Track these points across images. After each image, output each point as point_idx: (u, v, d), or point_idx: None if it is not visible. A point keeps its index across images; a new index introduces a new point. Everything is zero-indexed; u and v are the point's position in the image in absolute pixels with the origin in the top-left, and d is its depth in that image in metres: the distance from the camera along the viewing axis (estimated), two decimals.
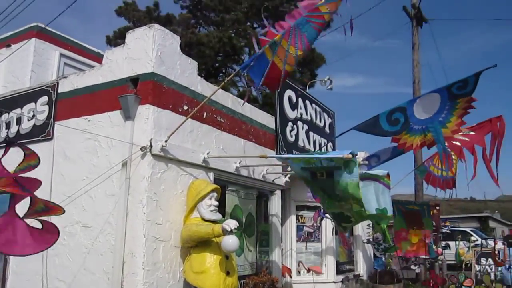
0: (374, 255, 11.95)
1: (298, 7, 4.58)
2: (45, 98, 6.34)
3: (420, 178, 11.13)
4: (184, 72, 5.84)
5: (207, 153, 5.90)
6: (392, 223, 9.42)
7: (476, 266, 11.07)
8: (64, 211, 3.60)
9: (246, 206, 6.95)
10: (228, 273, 5.09)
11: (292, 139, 8.52)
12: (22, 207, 3.48)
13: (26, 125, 6.49)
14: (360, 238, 11.36)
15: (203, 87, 6.16)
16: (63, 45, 9.11)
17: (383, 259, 11.70)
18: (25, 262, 5.95)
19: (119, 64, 5.63)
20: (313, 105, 9.62)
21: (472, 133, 6.83)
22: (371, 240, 11.25)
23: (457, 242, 13.78)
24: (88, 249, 5.37)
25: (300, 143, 8.81)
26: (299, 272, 9.05)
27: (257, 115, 7.57)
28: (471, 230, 19.77)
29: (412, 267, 11.72)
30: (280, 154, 7.81)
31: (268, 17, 19.45)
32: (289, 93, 8.50)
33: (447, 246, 15.29)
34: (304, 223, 9.38)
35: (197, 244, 5.11)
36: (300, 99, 8.89)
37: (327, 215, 7.31)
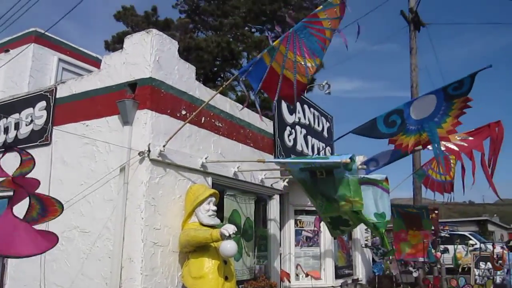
0: (373, 259, 11.94)
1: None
2: (43, 103, 6.34)
3: (418, 182, 11.12)
4: (182, 77, 5.85)
5: (205, 158, 5.90)
6: (391, 227, 9.43)
7: (475, 270, 11.06)
8: (62, 209, 3.60)
9: (245, 210, 6.95)
10: (226, 278, 5.08)
11: (290, 144, 8.53)
12: (19, 212, 3.48)
13: (24, 130, 6.49)
14: (358, 242, 11.36)
15: (201, 92, 6.17)
16: (62, 50, 9.12)
17: (382, 263, 11.69)
18: (23, 268, 5.94)
19: (117, 69, 5.64)
20: (311, 109, 9.64)
21: (470, 138, 6.82)
22: (370, 244, 11.24)
23: (455, 246, 13.77)
24: (86, 254, 5.35)
25: (298, 147, 8.82)
26: (297, 275, 9.03)
27: (255, 120, 7.58)
28: (470, 234, 19.77)
29: (411, 269, 11.70)
30: (278, 158, 7.82)
31: (268, 22, 19.56)
32: None
33: (446, 250, 15.29)
34: (302, 227, 9.37)
35: (195, 249, 5.10)
36: (298, 104, 8.91)
37: (322, 222, 7.29)
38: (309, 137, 9.30)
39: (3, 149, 3.76)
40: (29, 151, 6.13)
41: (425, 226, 9.35)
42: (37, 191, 3.59)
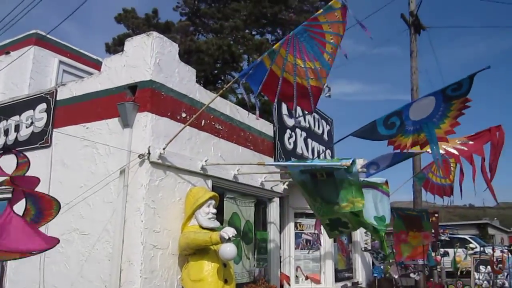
0: (373, 262, 11.93)
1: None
2: (43, 105, 6.35)
3: (418, 185, 11.12)
4: (183, 79, 5.86)
5: (205, 161, 5.90)
6: (392, 230, 9.41)
7: (475, 273, 11.04)
8: (58, 210, 3.59)
9: (244, 213, 6.94)
10: (226, 281, 5.08)
11: (291, 147, 8.53)
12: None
13: (25, 132, 6.49)
14: (358, 244, 11.34)
15: (202, 95, 6.18)
16: (62, 52, 9.14)
17: (382, 266, 11.67)
18: (22, 270, 5.93)
19: (117, 71, 5.65)
20: (311, 113, 9.63)
21: (470, 142, 6.79)
22: (369, 248, 11.22)
23: (455, 250, 13.75)
24: (86, 257, 5.35)
25: (299, 150, 8.82)
26: (297, 277, 9.01)
27: (255, 123, 7.58)
28: (470, 237, 19.73)
29: (411, 275, 11.68)
30: (278, 161, 7.82)
31: (268, 25, 19.60)
32: None
33: (446, 254, 15.26)
34: (302, 230, 9.35)
35: (195, 252, 5.10)
36: (298, 106, 8.88)
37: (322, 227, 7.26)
38: (309, 140, 9.30)
39: (1, 151, 3.76)
40: (29, 153, 6.19)
41: (425, 227, 9.32)
42: (36, 188, 3.58)
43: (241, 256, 6.68)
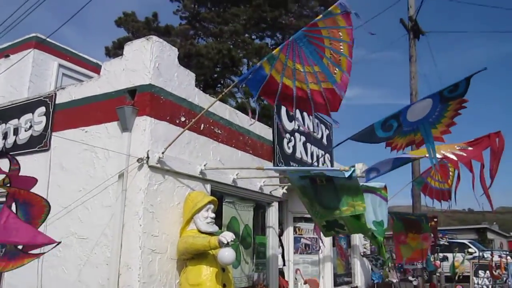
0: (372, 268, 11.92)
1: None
2: (42, 109, 6.34)
3: (417, 190, 11.12)
4: (182, 83, 5.86)
5: (204, 165, 5.89)
6: (390, 235, 9.41)
7: (474, 278, 11.03)
8: (47, 214, 3.57)
9: (243, 218, 6.93)
10: (224, 286, 5.06)
11: (290, 151, 8.53)
12: None
13: (24, 136, 6.48)
14: (357, 249, 11.32)
15: (201, 99, 6.18)
16: (62, 55, 9.15)
17: (381, 272, 11.66)
18: (20, 274, 5.90)
19: (117, 75, 5.65)
20: (311, 116, 9.62)
21: (470, 148, 6.78)
22: (369, 252, 11.20)
23: (454, 254, 13.74)
24: (84, 261, 5.33)
25: (298, 154, 8.81)
26: (296, 279, 8.99)
27: (255, 127, 7.58)
28: (469, 242, 19.73)
29: (410, 277, 11.67)
30: (278, 166, 7.81)
31: (268, 29, 19.64)
32: None
33: (445, 258, 15.26)
34: (301, 234, 9.34)
35: (193, 257, 5.09)
36: (297, 111, 8.89)
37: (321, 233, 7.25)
38: (308, 145, 9.30)
39: None
40: (28, 156, 6.19)
41: (424, 229, 9.32)
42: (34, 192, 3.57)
43: (239, 260, 6.67)
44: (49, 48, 8.89)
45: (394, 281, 11.17)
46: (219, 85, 19.31)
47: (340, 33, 4.50)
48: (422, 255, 9.29)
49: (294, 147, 8.71)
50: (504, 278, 10.66)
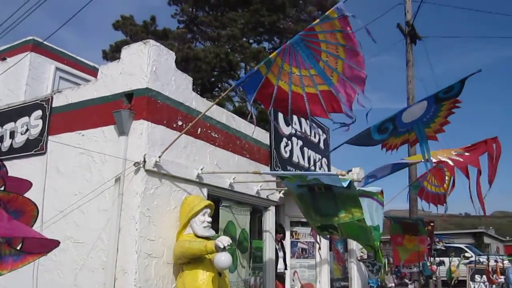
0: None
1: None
2: (39, 112, 6.32)
3: (413, 194, 11.14)
4: (179, 87, 5.86)
5: (201, 169, 5.88)
6: (387, 239, 9.42)
7: (471, 283, 11.04)
8: (35, 220, 3.53)
9: (240, 222, 6.92)
10: None
11: (287, 155, 8.52)
12: None
13: (20, 139, 6.46)
14: (354, 253, 11.31)
15: (198, 103, 6.18)
16: (59, 58, 9.12)
17: (377, 277, 11.65)
18: (15, 278, 5.86)
19: (114, 79, 5.65)
20: (308, 121, 9.63)
21: (466, 153, 6.80)
22: (366, 257, 11.19)
23: (450, 259, 13.75)
24: (80, 266, 5.30)
25: (295, 159, 8.81)
26: (293, 281, 8.97)
27: (251, 131, 7.57)
28: (465, 247, 19.75)
29: (406, 280, 11.66)
30: (275, 170, 7.80)
31: (265, 34, 19.68)
32: None
33: (441, 263, 15.26)
34: (298, 239, 9.33)
35: (189, 261, 5.07)
36: (294, 115, 8.90)
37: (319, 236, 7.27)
38: (305, 149, 9.30)
39: None
40: (24, 160, 6.16)
41: (421, 232, 9.34)
42: (30, 196, 3.53)
43: (236, 265, 6.65)
44: (46, 51, 8.86)
45: (391, 285, 11.17)
46: (216, 89, 19.33)
47: (336, 36, 4.51)
48: (419, 257, 9.30)
49: (291, 151, 8.71)
50: (501, 283, 10.67)
